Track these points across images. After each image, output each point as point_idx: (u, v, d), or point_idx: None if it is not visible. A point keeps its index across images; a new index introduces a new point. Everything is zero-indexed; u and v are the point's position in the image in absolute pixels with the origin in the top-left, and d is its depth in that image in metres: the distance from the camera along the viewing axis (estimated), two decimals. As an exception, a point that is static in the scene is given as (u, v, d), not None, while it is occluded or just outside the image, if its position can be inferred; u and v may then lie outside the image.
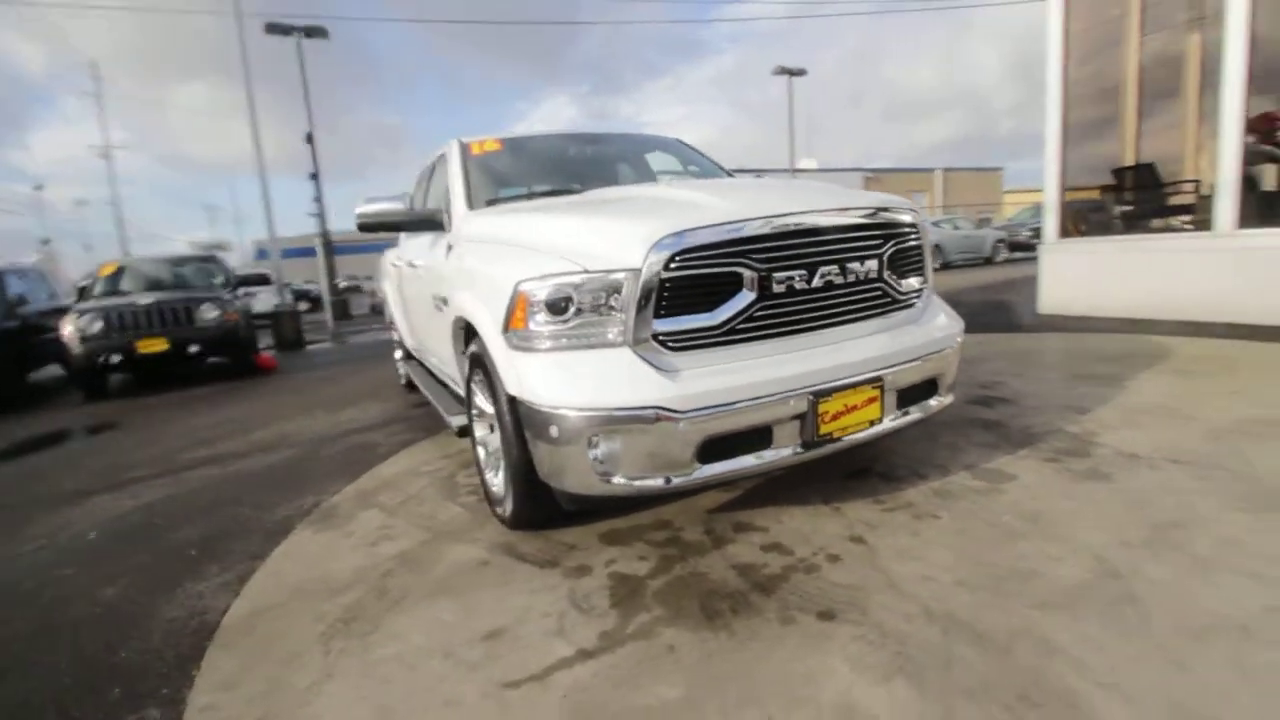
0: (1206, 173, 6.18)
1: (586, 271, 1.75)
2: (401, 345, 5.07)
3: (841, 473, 2.48)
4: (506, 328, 1.90)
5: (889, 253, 2.03)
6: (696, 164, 3.56)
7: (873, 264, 1.99)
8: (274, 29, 16.44)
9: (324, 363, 8.08)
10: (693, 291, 1.78)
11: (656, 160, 3.62)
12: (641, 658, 1.55)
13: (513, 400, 1.94)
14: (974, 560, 1.82)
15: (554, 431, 1.77)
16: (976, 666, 1.40)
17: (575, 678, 1.50)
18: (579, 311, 1.79)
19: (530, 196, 2.86)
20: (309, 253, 17.87)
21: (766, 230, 1.78)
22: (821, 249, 1.88)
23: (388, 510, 2.67)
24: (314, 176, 16.52)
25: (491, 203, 2.74)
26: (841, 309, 1.97)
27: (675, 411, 1.69)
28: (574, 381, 1.76)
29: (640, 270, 1.71)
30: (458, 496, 2.74)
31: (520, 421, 1.94)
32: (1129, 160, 5.87)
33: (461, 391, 2.88)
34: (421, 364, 4.16)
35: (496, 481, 2.39)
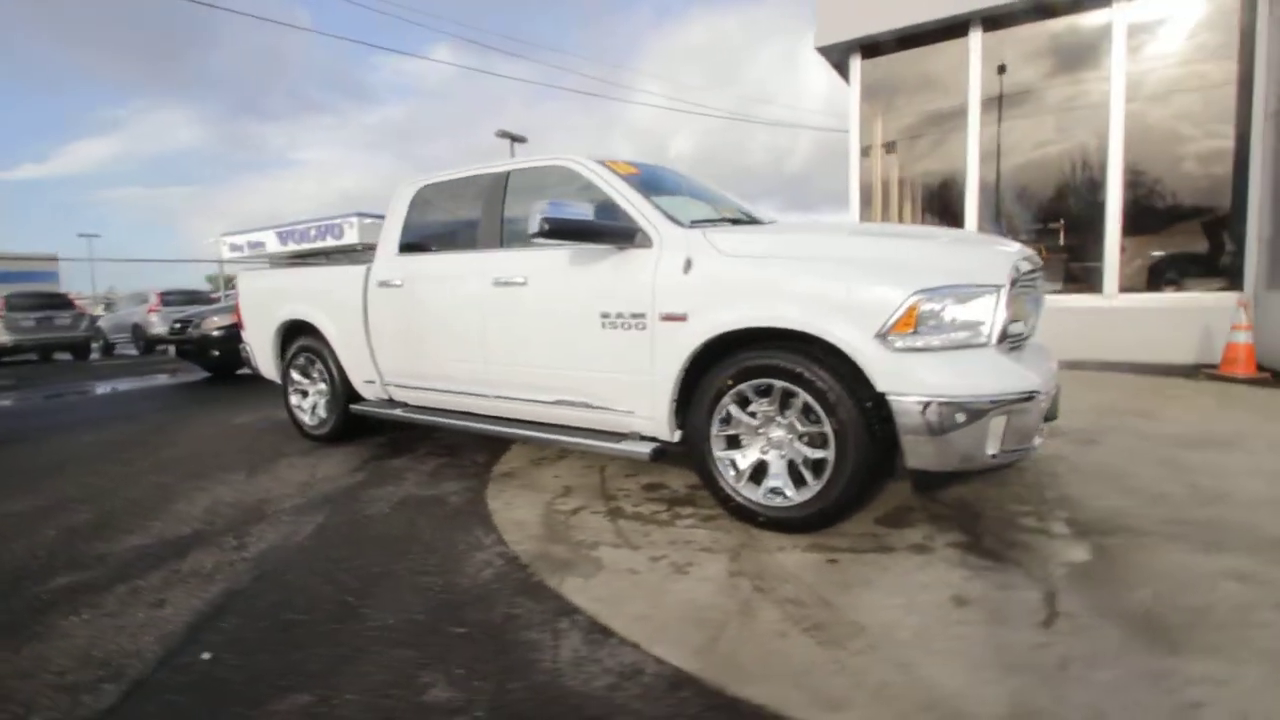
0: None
1: (977, 285, 2.15)
2: (334, 391, 4.10)
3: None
4: (886, 332, 2.13)
5: (1039, 287, 2.89)
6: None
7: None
8: None
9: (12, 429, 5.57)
10: (1014, 307, 2.32)
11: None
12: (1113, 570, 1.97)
13: (880, 397, 2.16)
14: (1194, 489, 2.68)
15: (959, 417, 2.08)
16: None
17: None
18: (956, 318, 2.15)
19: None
20: None
21: (1037, 266, 2.46)
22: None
23: (618, 546, 2.40)
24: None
25: (698, 223, 2.77)
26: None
27: (1041, 394, 2.19)
28: (988, 374, 2.12)
29: (1004, 286, 2.19)
30: (670, 522, 2.61)
31: (883, 416, 2.17)
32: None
33: (632, 419, 2.76)
34: (427, 405, 3.53)
35: (764, 491, 2.44)
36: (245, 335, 4.78)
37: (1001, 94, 6.68)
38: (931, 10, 6.57)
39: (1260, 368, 5.04)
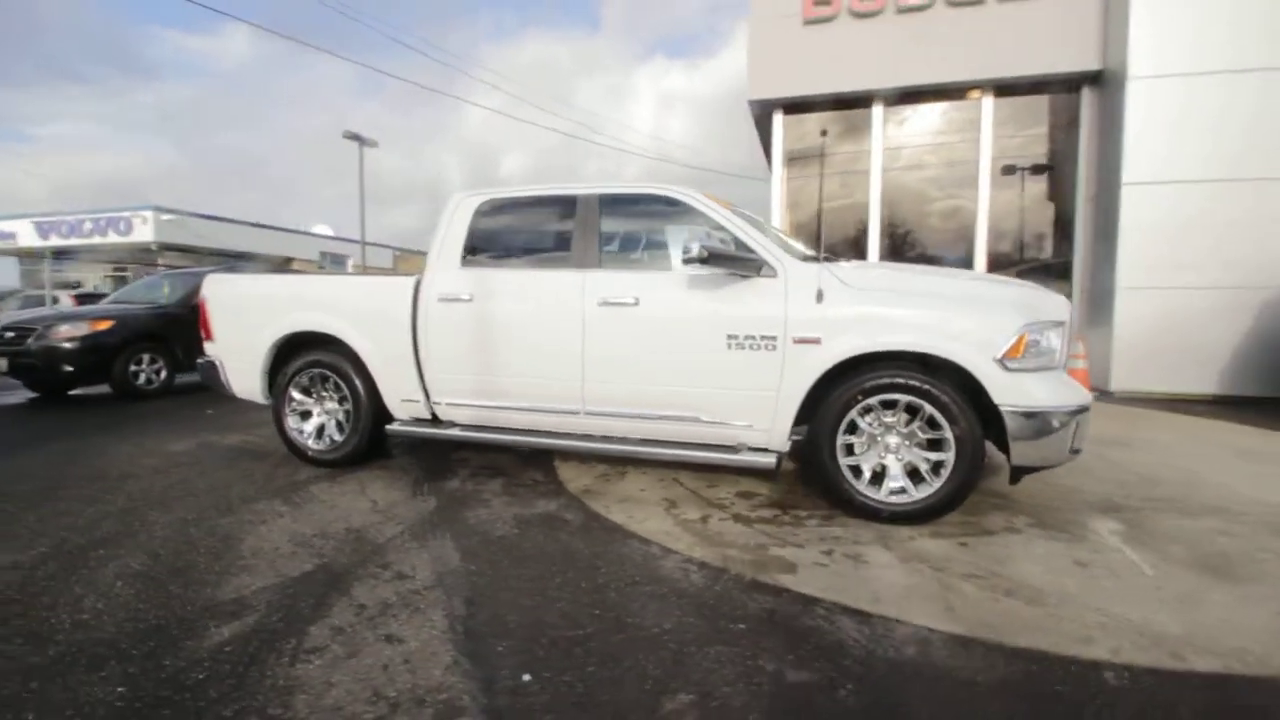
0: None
1: (1055, 321, 2.80)
2: (358, 411, 3.77)
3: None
4: (1003, 356, 2.70)
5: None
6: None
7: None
8: None
9: None
10: (1063, 338, 3.04)
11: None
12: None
13: (995, 408, 2.72)
14: (1138, 477, 3.58)
15: (1055, 423, 2.70)
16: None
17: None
18: (1046, 346, 2.79)
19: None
20: None
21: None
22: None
23: (782, 545, 2.67)
24: None
25: (811, 259, 3.14)
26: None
27: (1089, 406, 2.90)
28: (1068, 390, 2.76)
29: (1066, 322, 2.89)
30: (800, 523, 2.93)
31: (993, 422, 2.73)
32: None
33: (749, 432, 3.06)
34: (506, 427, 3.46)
35: (885, 491, 2.88)
36: (214, 348, 4.16)
37: (897, 150, 8.03)
38: (843, 85, 7.72)
39: (1092, 388, 6.67)
